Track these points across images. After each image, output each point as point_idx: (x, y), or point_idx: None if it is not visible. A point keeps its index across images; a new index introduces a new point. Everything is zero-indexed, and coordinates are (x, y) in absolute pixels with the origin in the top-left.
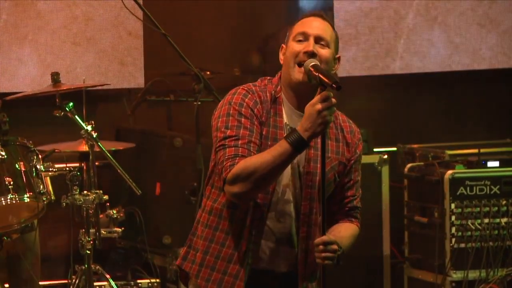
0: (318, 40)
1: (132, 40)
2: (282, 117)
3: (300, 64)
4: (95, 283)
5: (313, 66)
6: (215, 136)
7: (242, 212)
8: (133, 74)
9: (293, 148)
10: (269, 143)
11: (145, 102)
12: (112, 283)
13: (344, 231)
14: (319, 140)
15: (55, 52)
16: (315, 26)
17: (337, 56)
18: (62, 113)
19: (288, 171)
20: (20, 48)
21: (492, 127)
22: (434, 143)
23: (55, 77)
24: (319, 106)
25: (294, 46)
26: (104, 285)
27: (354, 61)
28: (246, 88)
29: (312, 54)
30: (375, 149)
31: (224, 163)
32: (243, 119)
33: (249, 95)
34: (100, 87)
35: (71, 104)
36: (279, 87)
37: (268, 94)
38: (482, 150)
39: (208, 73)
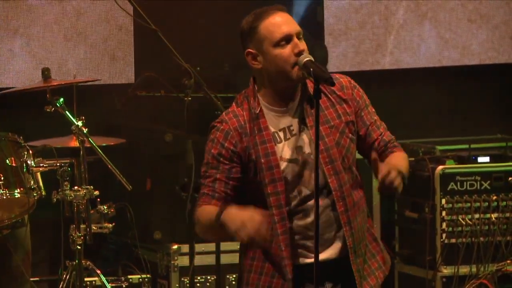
0: (298, 36)
1: (122, 35)
2: (268, 129)
3: (295, 65)
4: (86, 279)
5: (308, 61)
6: None
7: (274, 231)
8: (124, 69)
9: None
10: (263, 160)
11: (135, 97)
12: (103, 278)
13: (393, 158)
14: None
15: (46, 46)
16: (287, 22)
17: None
18: (53, 109)
19: (290, 174)
20: (11, 42)
21: (483, 122)
22: (425, 139)
23: (46, 73)
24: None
25: (282, 53)
26: (94, 281)
27: (344, 57)
28: (218, 121)
29: (301, 53)
30: None
31: (198, 199)
32: (210, 158)
33: (220, 129)
34: (90, 82)
35: (61, 99)
36: (256, 100)
37: (245, 112)
38: (472, 146)
39: (198, 68)
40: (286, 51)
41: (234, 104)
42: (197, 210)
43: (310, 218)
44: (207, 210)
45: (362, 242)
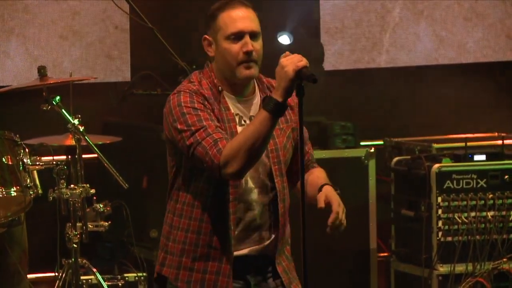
0: (252, 35)
1: (119, 34)
2: (229, 109)
3: (241, 62)
4: (82, 277)
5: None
6: (178, 140)
7: (211, 210)
8: (120, 68)
9: (270, 113)
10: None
11: (132, 96)
12: (99, 277)
13: (319, 174)
14: None
15: (42, 45)
16: (245, 20)
17: None
18: (49, 107)
19: None
20: (7, 41)
21: (479, 120)
22: (421, 137)
23: (42, 71)
24: (281, 60)
25: (231, 48)
26: (91, 279)
27: (340, 55)
28: (187, 90)
29: (251, 53)
30: (361, 143)
31: (210, 153)
32: (200, 112)
33: (194, 95)
34: (87, 81)
35: (58, 98)
36: (216, 79)
37: (207, 90)
38: (468, 144)
39: (194, 66)
40: (235, 47)
41: (190, 80)
42: (222, 148)
43: (253, 212)
44: (234, 137)
45: (284, 248)
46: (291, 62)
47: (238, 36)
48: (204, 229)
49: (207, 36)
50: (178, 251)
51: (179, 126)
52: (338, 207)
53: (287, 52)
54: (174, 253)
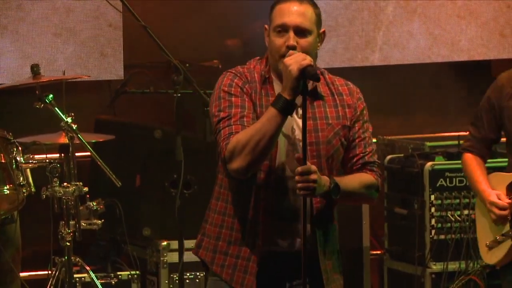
0: (297, 31)
1: (112, 32)
2: (273, 96)
3: (283, 56)
4: (75, 275)
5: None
6: (212, 122)
7: (245, 195)
8: (113, 66)
9: (278, 110)
10: None
11: (124, 94)
12: (92, 275)
13: (351, 175)
14: (316, 110)
15: (35, 43)
16: (293, 14)
17: (321, 31)
18: (42, 105)
19: (282, 147)
20: (0, 39)
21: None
22: (414, 135)
23: (35, 69)
24: (284, 60)
25: (276, 40)
26: (84, 277)
27: (334, 53)
28: (233, 71)
29: (293, 47)
30: None
31: (221, 144)
32: (233, 98)
33: (237, 76)
34: (80, 79)
35: (51, 96)
36: (267, 67)
37: (256, 74)
38: (461, 142)
39: (187, 65)
40: (280, 40)
41: (247, 64)
42: (231, 141)
43: (287, 201)
44: (243, 131)
45: (332, 248)
46: (295, 61)
47: (283, 29)
48: (238, 214)
49: (266, 26)
50: (214, 234)
51: (213, 109)
52: (311, 167)
53: (291, 51)
54: (211, 235)
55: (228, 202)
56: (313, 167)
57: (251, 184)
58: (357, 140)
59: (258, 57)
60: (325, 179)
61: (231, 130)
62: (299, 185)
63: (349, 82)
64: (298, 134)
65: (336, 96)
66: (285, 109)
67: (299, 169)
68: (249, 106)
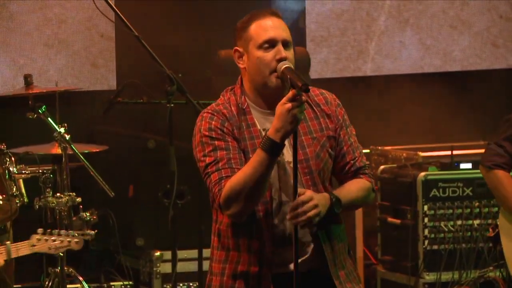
0: (284, 44)
1: (104, 42)
2: (255, 126)
3: (274, 71)
4: (68, 286)
5: (285, 68)
6: (199, 167)
7: (247, 226)
8: (106, 76)
9: (269, 154)
10: (251, 155)
11: (118, 104)
12: (85, 285)
13: (346, 184)
14: (299, 126)
15: (27, 54)
16: (278, 28)
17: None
18: (35, 116)
19: (274, 174)
20: None
21: (465, 128)
22: (407, 145)
23: (28, 79)
24: (289, 105)
25: (264, 56)
26: None
27: (326, 63)
28: (210, 111)
29: (285, 59)
30: None
31: (213, 190)
32: (216, 142)
33: (215, 117)
34: (72, 89)
35: (44, 106)
36: (243, 97)
37: (233, 107)
38: (455, 152)
39: (180, 75)
40: (268, 55)
41: (221, 97)
42: (223, 188)
43: (288, 225)
44: (235, 176)
45: (341, 255)
46: (300, 111)
47: (271, 44)
48: (241, 247)
49: (237, 48)
50: (219, 270)
51: (197, 154)
52: (305, 196)
53: (282, 63)
54: (217, 273)
55: (229, 237)
56: (308, 194)
57: (251, 215)
58: (345, 148)
59: (230, 87)
60: (325, 197)
61: (221, 174)
62: (302, 218)
63: (323, 91)
64: (287, 156)
65: (314, 108)
66: (276, 152)
67: (295, 203)
68: (233, 146)
